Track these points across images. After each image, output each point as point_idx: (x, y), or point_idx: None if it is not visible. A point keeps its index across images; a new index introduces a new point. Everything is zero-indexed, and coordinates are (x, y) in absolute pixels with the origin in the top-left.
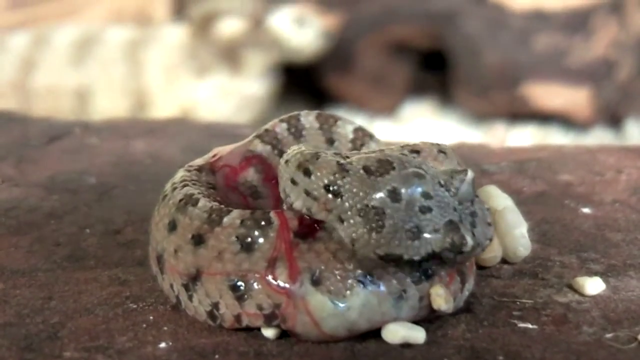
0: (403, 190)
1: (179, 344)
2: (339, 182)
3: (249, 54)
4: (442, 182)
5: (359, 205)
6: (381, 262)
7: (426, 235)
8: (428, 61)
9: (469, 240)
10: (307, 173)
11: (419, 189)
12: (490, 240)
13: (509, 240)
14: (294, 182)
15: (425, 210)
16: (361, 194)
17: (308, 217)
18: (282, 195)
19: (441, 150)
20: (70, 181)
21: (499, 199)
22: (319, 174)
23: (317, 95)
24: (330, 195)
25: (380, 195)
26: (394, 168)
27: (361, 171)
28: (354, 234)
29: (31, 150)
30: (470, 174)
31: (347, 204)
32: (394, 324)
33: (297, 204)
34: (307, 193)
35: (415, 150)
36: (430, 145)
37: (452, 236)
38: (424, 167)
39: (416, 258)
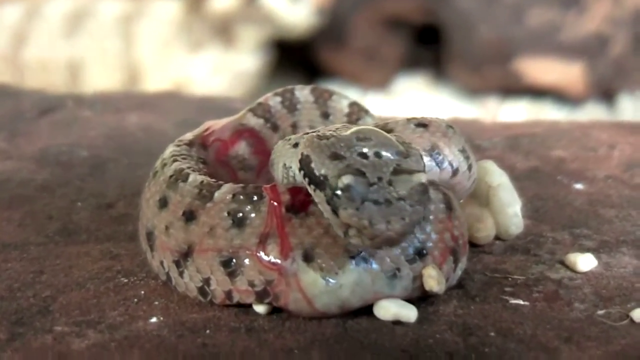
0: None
1: (170, 318)
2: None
3: (243, 29)
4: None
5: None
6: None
7: (337, 160)
8: (422, 36)
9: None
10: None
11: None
12: (390, 223)
13: (502, 218)
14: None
15: (364, 156)
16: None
17: (300, 191)
18: (271, 167)
19: (449, 125)
20: (63, 154)
21: (495, 175)
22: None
23: (311, 70)
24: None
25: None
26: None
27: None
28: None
29: (23, 123)
30: (419, 178)
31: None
32: (386, 301)
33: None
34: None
35: (423, 123)
36: (438, 120)
37: (337, 163)
38: (397, 140)
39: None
